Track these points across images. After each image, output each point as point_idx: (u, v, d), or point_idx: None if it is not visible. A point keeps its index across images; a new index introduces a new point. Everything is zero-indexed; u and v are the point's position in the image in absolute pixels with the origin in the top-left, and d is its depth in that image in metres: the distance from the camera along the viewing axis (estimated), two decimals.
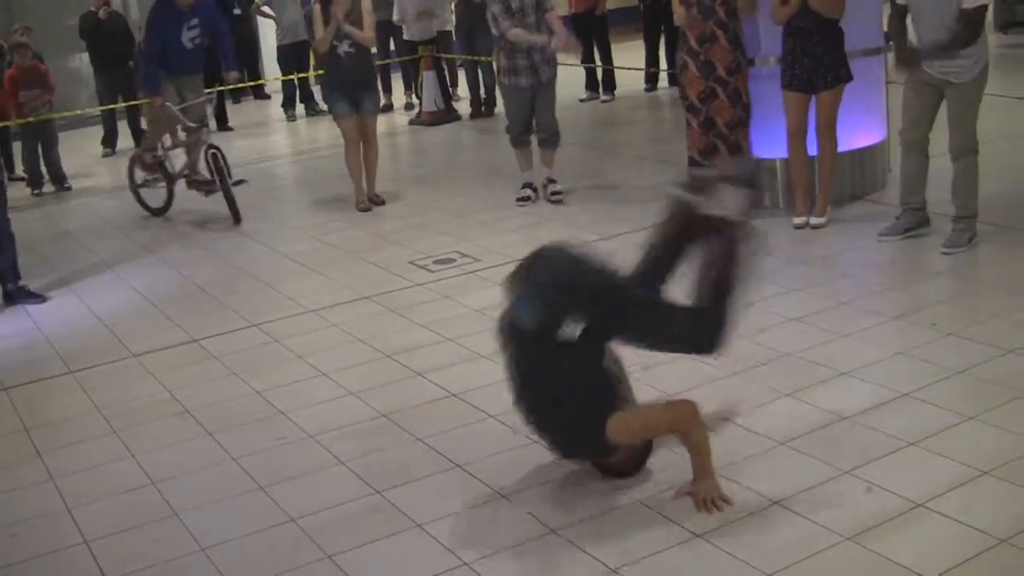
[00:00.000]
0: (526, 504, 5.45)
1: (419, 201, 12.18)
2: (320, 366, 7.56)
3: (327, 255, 10.44)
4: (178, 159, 13.23)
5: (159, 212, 13.03)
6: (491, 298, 8.41)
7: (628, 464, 5.58)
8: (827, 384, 6.38)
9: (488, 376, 6.97)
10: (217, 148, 12.34)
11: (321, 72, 18.67)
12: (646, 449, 5.62)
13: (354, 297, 8.96)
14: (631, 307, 5.36)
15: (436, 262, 9.71)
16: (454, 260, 9.72)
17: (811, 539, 4.91)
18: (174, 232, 12.18)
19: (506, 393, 6.45)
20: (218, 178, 12.28)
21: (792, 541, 4.92)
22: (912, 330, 7.18)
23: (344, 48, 11.60)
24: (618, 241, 9.68)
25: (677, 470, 5.50)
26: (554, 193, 11.49)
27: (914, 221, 8.90)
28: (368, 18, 11.74)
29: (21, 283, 9.91)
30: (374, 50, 12.09)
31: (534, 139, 11.60)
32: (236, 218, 12.16)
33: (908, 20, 8.57)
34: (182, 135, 13.61)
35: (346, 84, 11.78)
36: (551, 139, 11.49)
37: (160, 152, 13.15)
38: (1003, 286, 7.90)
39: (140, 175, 13.34)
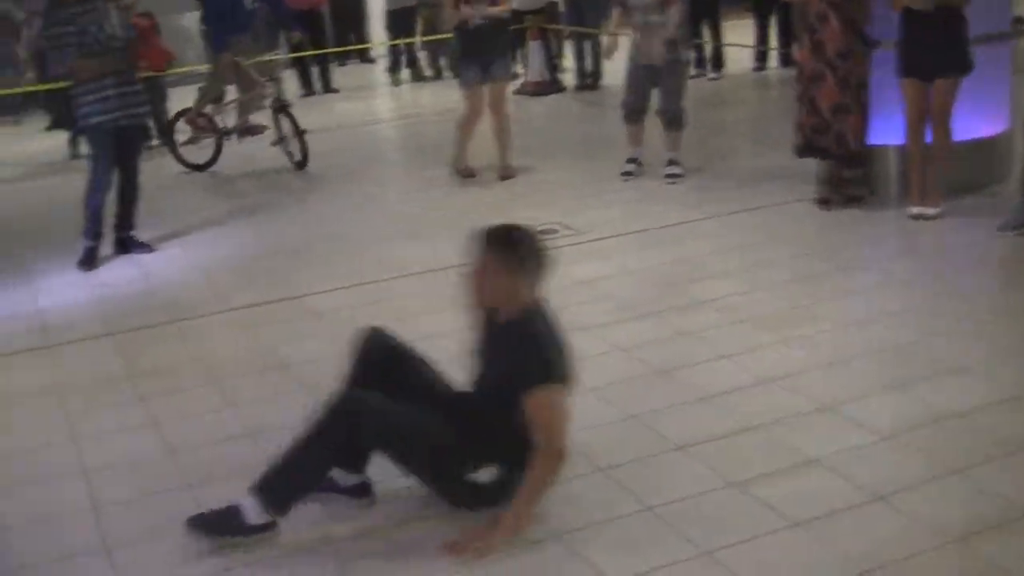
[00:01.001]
0: (623, 479, 5.44)
1: (522, 171, 12.14)
2: (421, 330, 7.53)
3: (429, 220, 10.47)
4: (229, 116, 13.43)
5: (203, 167, 13.25)
6: (592, 271, 8.46)
7: None
8: (934, 379, 6.27)
9: (588, 349, 6.96)
10: (285, 102, 12.99)
11: (428, 38, 18.80)
12: None
13: (456, 263, 8.93)
14: None
15: (538, 233, 9.64)
16: (556, 231, 9.68)
17: (912, 538, 4.82)
18: (278, 190, 12.29)
19: (606, 365, 6.49)
20: (293, 127, 12.87)
21: (891, 538, 4.83)
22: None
23: (476, 20, 11.54)
24: (725, 220, 9.64)
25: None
26: (670, 175, 11.37)
27: None
28: None
29: (132, 232, 10.06)
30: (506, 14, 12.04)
31: (659, 119, 11.49)
32: (304, 162, 12.86)
33: None
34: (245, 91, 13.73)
35: (477, 52, 11.67)
36: (672, 121, 11.38)
37: (210, 109, 13.36)
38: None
39: (185, 133, 13.54)
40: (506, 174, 11.96)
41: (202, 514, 5.12)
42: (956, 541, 4.75)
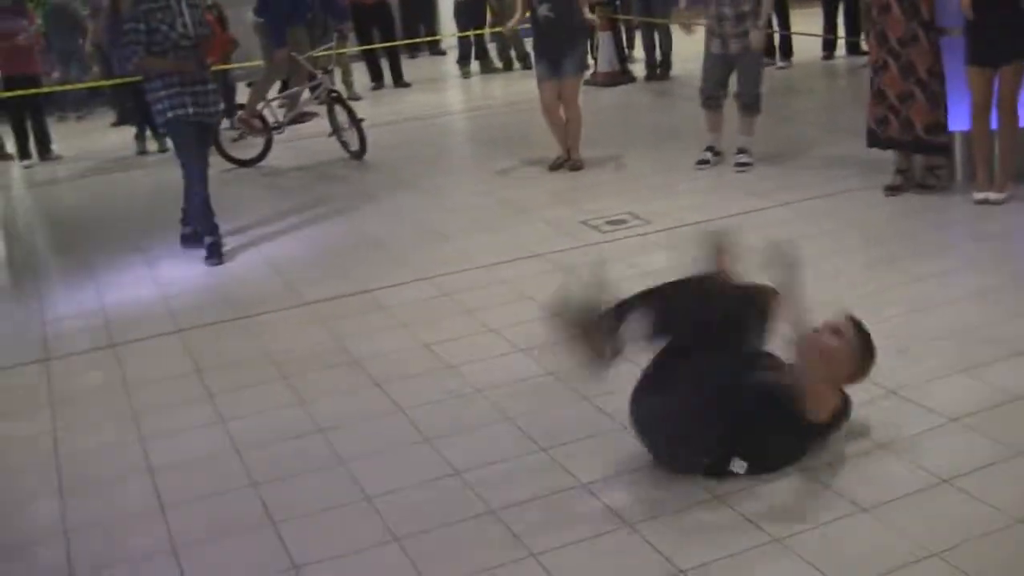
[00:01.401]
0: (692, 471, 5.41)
1: (592, 161, 12.09)
2: (489, 322, 7.58)
3: (499, 211, 10.49)
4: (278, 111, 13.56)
5: (250, 163, 13.33)
6: (661, 261, 8.42)
7: None
8: (1003, 363, 6.22)
9: None
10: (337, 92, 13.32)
11: (497, 29, 18.86)
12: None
13: (525, 255, 8.97)
14: None
15: (608, 223, 9.68)
16: (626, 221, 9.68)
17: (981, 519, 4.79)
18: (345, 184, 12.33)
19: None
20: (349, 117, 13.08)
21: (962, 520, 4.80)
22: None
23: (544, 12, 11.49)
24: (795, 208, 9.61)
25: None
26: (739, 164, 11.35)
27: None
28: None
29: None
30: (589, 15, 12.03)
31: (736, 103, 11.48)
32: (362, 152, 13.05)
33: None
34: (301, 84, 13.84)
35: (546, 46, 11.69)
36: (749, 106, 11.36)
37: (261, 105, 13.45)
38: None
39: (235, 132, 13.62)
40: (575, 166, 11.93)
41: None
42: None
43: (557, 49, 11.61)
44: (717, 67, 11.33)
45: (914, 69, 9.56)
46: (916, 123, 9.62)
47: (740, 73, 11.27)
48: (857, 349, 5.34)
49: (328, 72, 13.91)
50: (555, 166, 11.96)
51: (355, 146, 13.29)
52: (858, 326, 5.41)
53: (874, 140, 9.96)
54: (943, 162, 9.99)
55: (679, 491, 5.21)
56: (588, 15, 11.99)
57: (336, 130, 13.46)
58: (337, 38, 14.87)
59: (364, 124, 13.25)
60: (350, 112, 13.18)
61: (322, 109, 13.79)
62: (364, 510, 5.30)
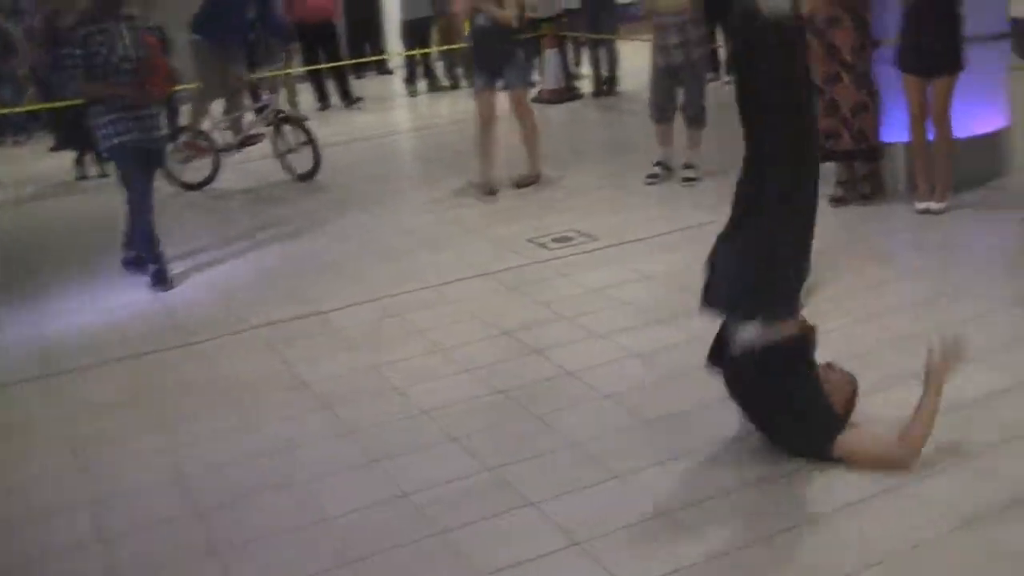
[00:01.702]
0: (639, 485, 5.41)
1: (540, 178, 12.10)
2: (437, 342, 7.56)
3: (447, 231, 10.47)
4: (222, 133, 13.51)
5: (199, 186, 13.25)
6: (609, 277, 8.47)
7: None
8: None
9: (604, 355, 7.02)
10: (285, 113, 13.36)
11: (444, 48, 18.87)
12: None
13: (473, 274, 8.97)
14: None
15: (555, 240, 9.69)
16: (572, 238, 9.70)
17: (922, 525, 4.84)
18: (293, 206, 12.27)
19: (622, 372, 6.50)
20: (306, 136, 13.09)
21: (901, 526, 4.85)
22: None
23: (480, 21, 11.46)
24: None
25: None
26: (686, 178, 11.42)
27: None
28: None
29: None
30: (514, 24, 11.95)
31: (681, 117, 11.56)
32: (314, 172, 13.09)
33: None
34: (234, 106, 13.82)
35: (483, 56, 11.63)
36: (694, 119, 11.46)
37: (208, 125, 13.39)
38: None
39: (180, 155, 13.45)
40: (529, 180, 11.92)
41: None
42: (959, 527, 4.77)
43: (494, 59, 11.54)
44: (664, 80, 11.38)
45: (867, 81, 9.68)
46: (869, 133, 9.72)
47: (684, 86, 11.35)
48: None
49: (275, 93, 13.87)
50: (488, 191, 11.78)
51: (306, 167, 13.24)
52: None
53: (822, 155, 10.00)
54: (873, 169, 10.08)
55: (628, 508, 5.21)
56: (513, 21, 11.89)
57: (280, 153, 13.39)
58: (284, 58, 14.85)
59: (290, 154, 13.25)
60: (306, 131, 13.13)
61: (269, 130, 13.70)
62: (313, 534, 5.27)
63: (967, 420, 5.74)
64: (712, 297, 5.73)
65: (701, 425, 5.98)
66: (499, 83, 11.62)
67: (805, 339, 5.58)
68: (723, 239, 5.69)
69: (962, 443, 5.49)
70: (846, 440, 5.36)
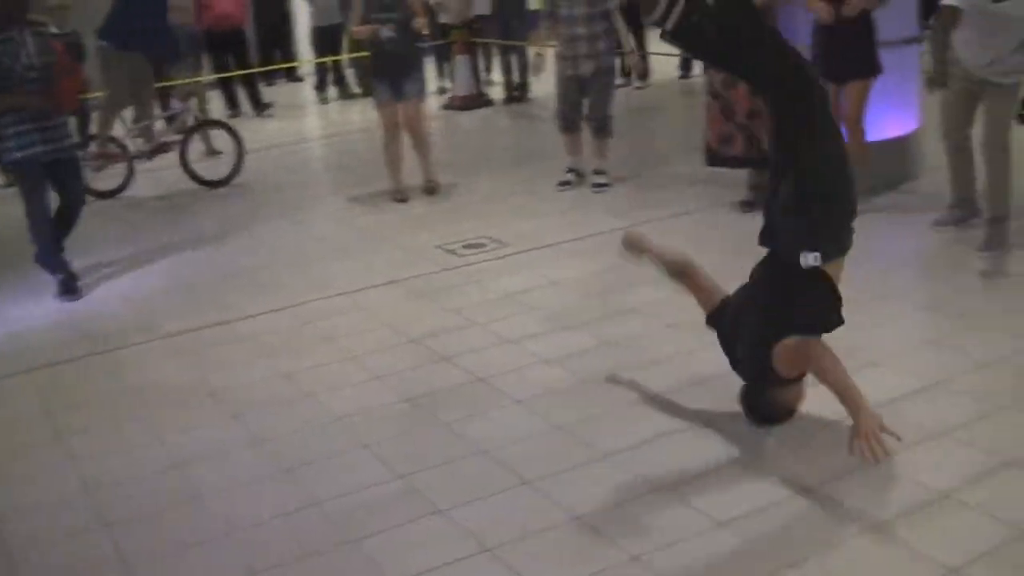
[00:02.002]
0: (549, 491, 5.43)
1: (450, 186, 12.13)
2: (348, 349, 7.55)
3: (357, 238, 10.44)
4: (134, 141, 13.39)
5: (112, 194, 13.13)
6: (519, 283, 8.48)
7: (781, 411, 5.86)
8: (855, 373, 6.30)
9: (514, 361, 7.03)
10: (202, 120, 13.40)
11: (355, 55, 18.81)
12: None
13: (383, 281, 8.96)
14: None
15: (465, 247, 9.70)
16: (484, 245, 9.72)
17: (833, 528, 4.90)
18: (204, 214, 12.19)
19: (532, 377, 6.53)
20: (232, 136, 13.22)
21: (813, 531, 4.91)
22: (943, 321, 7.14)
23: (387, 32, 11.29)
24: (652, 227, 9.69)
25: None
26: (596, 184, 11.47)
27: (967, 213, 8.91)
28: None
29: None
30: (426, 31, 11.88)
31: (587, 126, 11.59)
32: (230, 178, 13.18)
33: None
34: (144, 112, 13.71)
35: (388, 70, 11.49)
36: (600, 129, 11.47)
37: (121, 133, 13.26)
38: None
39: (93, 163, 13.28)
40: (430, 188, 11.90)
41: None
42: (873, 529, 4.81)
43: (401, 71, 11.45)
44: (571, 90, 11.38)
45: None
46: (763, 140, 9.77)
47: (591, 96, 11.35)
48: None
49: (189, 99, 13.77)
50: (399, 198, 11.76)
51: (224, 171, 13.26)
52: None
53: (716, 159, 10.10)
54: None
55: (538, 513, 5.23)
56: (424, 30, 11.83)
57: (186, 163, 13.34)
58: (195, 65, 14.73)
59: (221, 154, 13.19)
60: (232, 132, 13.08)
61: (182, 138, 13.58)
62: (223, 545, 5.24)
63: (892, 416, 5.81)
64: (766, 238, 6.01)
65: (611, 430, 6.01)
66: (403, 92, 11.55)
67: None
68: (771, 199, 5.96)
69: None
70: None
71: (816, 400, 6.03)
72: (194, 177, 13.32)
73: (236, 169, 13.22)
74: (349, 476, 5.77)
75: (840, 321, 5.52)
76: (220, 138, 13.38)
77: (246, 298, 8.92)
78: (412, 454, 5.94)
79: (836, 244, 5.69)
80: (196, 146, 13.57)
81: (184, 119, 13.45)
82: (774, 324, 5.52)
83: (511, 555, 4.89)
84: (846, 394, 5.39)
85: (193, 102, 13.98)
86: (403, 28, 11.29)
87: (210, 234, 11.18)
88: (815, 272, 5.48)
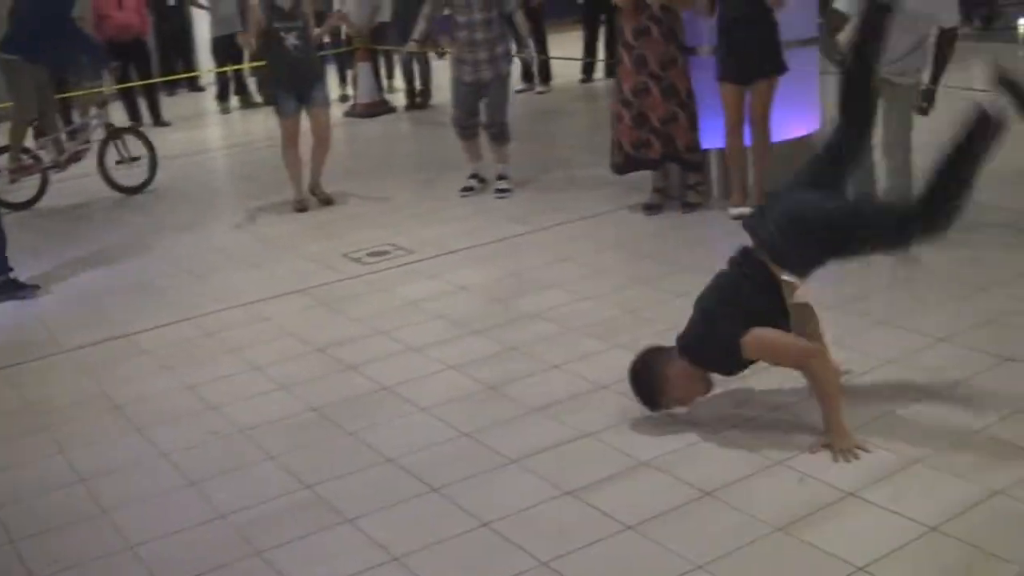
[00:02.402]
0: (456, 498, 5.43)
1: (354, 194, 12.07)
2: (252, 360, 7.51)
3: (260, 248, 10.38)
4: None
5: (25, 206, 12.96)
6: (424, 290, 8.48)
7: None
8: (758, 375, 6.35)
9: (420, 369, 7.03)
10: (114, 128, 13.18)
11: (257, 63, 18.63)
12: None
13: (287, 291, 8.92)
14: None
15: (370, 255, 9.67)
16: (388, 252, 9.69)
17: (741, 530, 4.93)
18: (107, 226, 12.04)
19: (438, 385, 6.52)
20: (145, 145, 13.13)
21: (722, 532, 4.93)
22: (846, 320, 7.20)
23: (292, 41, 11.14)
24: (555, 232, 9.73)
25: (590, 466, 5.53)
26: (498, 190, 11.43)
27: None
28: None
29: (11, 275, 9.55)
30: (327, 38, 11.77)
31: (484, 133, 11.58)
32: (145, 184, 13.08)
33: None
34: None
35: (293, 79, 11.31)
36: (498, 135, 11.44)
37: (33, 144, 13.10)
38: (935, 275, 7.93)
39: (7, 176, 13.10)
40: (325, 200, 11.76)
41: None
42: (780, 530, 4.87)
43: (307, 80, 11.34)
44: (469, 95, 11.35)
45: (676, 91, 9.81)
46: (678, 143, 9.85)
47: (488, 102, 11.33)
48: None
49: (102, 108, 13.60)
50: (301, 208, 11.64)
51: (141, 178, 13.18)
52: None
53: (632, 164, 10.10)
54: (701, 179, 10.23)
55: (446, 521, 5.24)
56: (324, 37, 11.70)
57: (104, 170, 13.22)
58: (106, 76, 14.56)
59: (122, 165, 13.07)
60: (145, 141, 13.05)
61: (96, 145, 13.40)
62: (128, 560, 5.19)
63: (780, 424, 5.88)
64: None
65: (517, 436, 6.02)
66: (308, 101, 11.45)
67: None
68: None
69: (776, 448, 5.64)
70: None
71: (715, 404, 6.10)
72: (113, 184, 13.18)
73: (152, 175, 13.11)
74: (255, 487, 5.74)
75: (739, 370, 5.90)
76: (134, 144, 13.22)
77: (149, 310, 8.82)
78: (318, 464, 5.92)
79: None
80: (113, 153, 13.37)
81: (91, 129, 13.29)
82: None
83: (419, 563, 4.89)
84: (833, 412, 5.57)
85: (106, 110, 13.81)
86: (305, 36, 11.24)
87: (114, 245, 11.03)
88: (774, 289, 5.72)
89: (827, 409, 5.58)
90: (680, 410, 6.01)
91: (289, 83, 11.37)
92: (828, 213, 5.74)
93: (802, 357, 5.65)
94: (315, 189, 11.84)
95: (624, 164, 10.16)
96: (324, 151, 11.76)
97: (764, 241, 5.80)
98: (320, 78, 11.57)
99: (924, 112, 8.68)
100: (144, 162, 13.19)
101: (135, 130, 13.36)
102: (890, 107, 8.52)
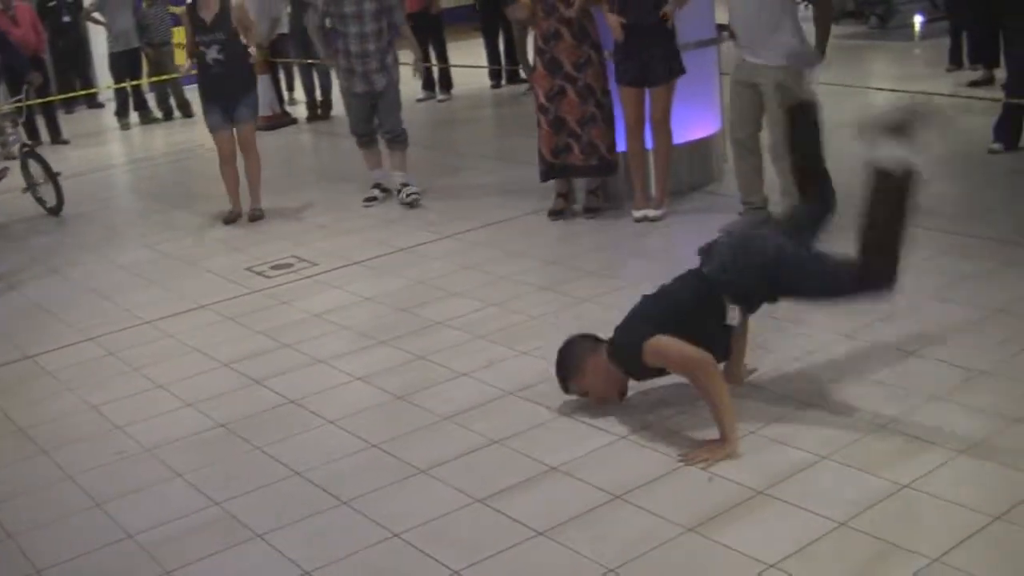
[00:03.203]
0: (367, 509, 5.41)
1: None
2: (157, 378, 7.44)
3: (163, 265, 10.28)
4: None
5: None
6: (329, 302, 8.45)
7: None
8: (668, 378, 6.37)
9: (326, 381, 7.01)
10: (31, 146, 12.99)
11: (156, 79, 18.51)
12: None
13: (191, 307, 8.84)
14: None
15: (273, 268, 9.62)
16: (292, 265, 9.64)
17: (652, 531, 4.94)
18: (4, 245, 11.89)
19: (346, 396, 6.50)
20: (44, 171, 12.78)
21: (633, 534, 4.94)
22: (753, 319, 7.21)
23: (213, 55, 11.07)
24: (459, 239, 9.72)
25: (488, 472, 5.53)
26: (409, 195, 11.35)
27: (756, 220, 9.03)
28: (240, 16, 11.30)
29: None
30: (253, 49, 11.65)
31: (382, 140, 11.54)
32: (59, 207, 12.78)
33: None
34: None
35: (217, 93, 11.24)
36: (396, 140, 11.40)
37: None
38: None
39: None
40: (253, 215, 11.56)
41: None
42: (690, 530, 4.89)
43: (231, 95, 11.21)
44: (364, 105, 11.36)
45: (592, 91, 9.80)
46: (600, 145, 9.84)
47: (382, 109, 11.32)
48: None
49: (16, 126, 13.43)
50: (230, 219, 11.52)
51: (52, 202, 12.92)
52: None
53: (555, 171, 10.10)
54: (599, 183, 10.25)
55: (357, 533, 5.22)
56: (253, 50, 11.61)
57: (31, 185, 13.08)
58: (26, 90, 14.39)
59: (59, 174, 12.92)
60: (45, 166, 12.80)
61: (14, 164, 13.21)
62: None
63: (700, 420, 5.91)
64: None
65: (426, 445, 6.02)
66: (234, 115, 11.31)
67: None
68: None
69: (685, 448, 5.66)
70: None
71: (624, 407, 6.13)
72: (41, 202, 13.03)
73: (60, 198, 12.93)
74: (163, 506, 5.69)
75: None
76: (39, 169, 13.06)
77: (51, 332, 8.72)
78: (227, 480, 5.88)
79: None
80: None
81: (10, 146, 13.11)
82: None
83: None
84: (725, 417, 5.60)
85: (20, 129, 13.64)
86: (230, 50, 11.15)
87: (15, 267, 10.88)
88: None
89: (716, 417, 5.64)
90: (588, 417, 6.02)
91: (211, 96, 11.31)
92: (771, 252, 5.83)
93: (688, 366, 5.71)
94: (252, 205, 11.65)
95: (546, 172, 10.16)
96: (254, 169, 11.61)
97: (713, 268, 5.91)
98: (246, 92, 11.41)
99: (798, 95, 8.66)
100: (49, 187, 12.99)
101: (35, 154, 13.17)
102: (772, 107, 8.59)
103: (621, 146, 10.10)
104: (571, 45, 9.73)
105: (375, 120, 11.48)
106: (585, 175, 10.20)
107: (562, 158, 10.00)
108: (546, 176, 10.22)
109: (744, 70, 8.73)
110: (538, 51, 9.96)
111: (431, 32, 18.01)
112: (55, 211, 12.86)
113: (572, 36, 9.72)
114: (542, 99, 9.96)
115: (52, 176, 12.75)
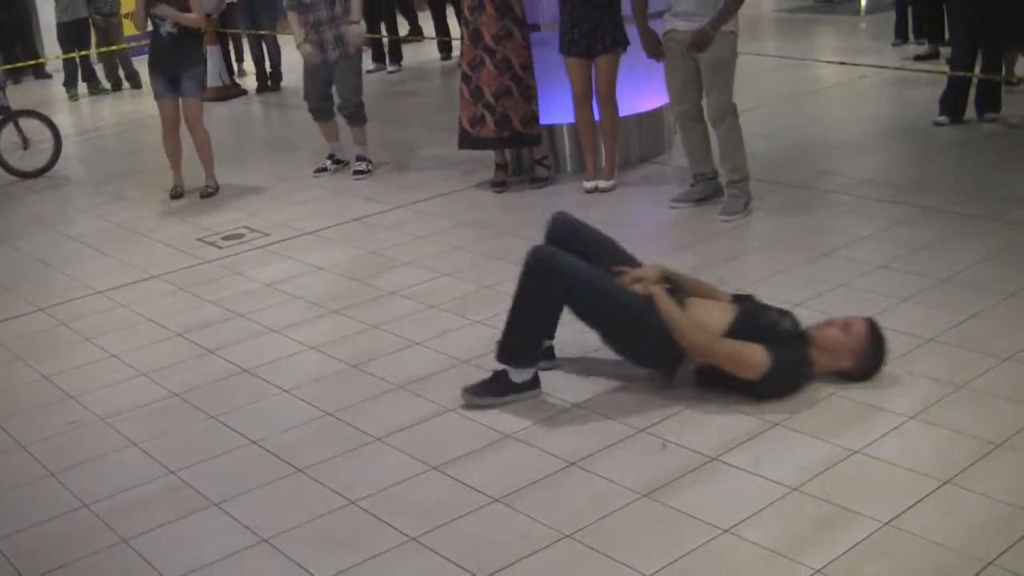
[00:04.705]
0: (322, 477, 5.44)
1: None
2: (109, 348, 7.43)
3: (113, 235, 10.24)
4: None
5: None
6: (280, 272, 8.45)
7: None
8: (604, 351, 6.42)
9: (280, 350, 7.02)
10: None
11: (104, 49, 18.40)
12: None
13: (142, 277, 8.83)
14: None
15: (225, 238, 9.60)
16: (243, 235, 9.63)
17: (607, 497, 5.00)
18: None
19: (298, 365, 6.51)
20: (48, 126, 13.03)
21: (588, 500, 5.00)
22: None
23: (167, 28, 10.89)
24: (410, 210, 9.74)
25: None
26: (357, 171, 11.34)
27: (708, 190, 9.09)
28: None
29: None
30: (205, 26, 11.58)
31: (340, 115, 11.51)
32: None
33: None
34: None
35: (164, 64, 11.08)
36: (352, 117, 11.36)
37: None
38: (780, 243, 8.10)
39: None
40: (205, 192, 11.36)
41: (478, 384, 6.03)
42: (645, 496, 4.95)
43: (177, 66, 11.02)
44: (320, 77, 11.29)
45: (510, 65, 9.82)
46: (513, 118, 9.87)
47: (338, 82, 11.27)
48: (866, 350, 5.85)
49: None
50: (175, 195, 11.36)
51: (41, 162, 13.00)
52: (874, 329, 5.88)
53: (468, 141, 10.15)
54: (547, 152, 10.30)
55: (314, 500, 5.26)
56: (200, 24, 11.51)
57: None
58: None
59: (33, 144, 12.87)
60: (47, 121, 12.94)
61: None
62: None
63: (642, 393, 5.96)
64: None
65: (380, 413, 6.06)
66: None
67: None
68: None
69: (638, 415, 5.73)
70: None
71: (577, 375, 6.17)
72: (9, 169, 12.94)
73: (54, 159, 12.98)
74: (118, 475, 5.69)
75: None
76: (31, 128, 12.98)
77: (1, 303, 8.67)
78: (182, 449, 5.89)
79: None
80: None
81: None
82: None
83: (288, 543, 4.90)
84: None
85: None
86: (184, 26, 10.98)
87: None
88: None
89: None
90: (542, 386, 6.06)
91: (157, 67, 11.18)
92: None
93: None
94: (204, 188, 11.44)
95: (461, 140, 10.22)
96: (204, 147, 11.45)
97: None
98: (193, 65, 11.17)
99: (699, 49, 8.67)
100: (46, 146, 12.95)
101: (36, 113, 13.10)
102: (711, 81, 8.64)
103: (556, 119, 10.23)
104: (492, 17, 9.76)
105: (332, 94, 11.42)
106: (496, 147, 10.25)
107: (477, 129, 10.05)
108: (461, 144, 10.28)
109: (676, 40, 8.72)
110: (464, 22, 10.01)
111: (402, 6, 18.00)
112: (41, 172, 13.06)
113: (495, 9, 9.74)
114: (465, 68, 10.02)
115: (55, 131, 13.02)
